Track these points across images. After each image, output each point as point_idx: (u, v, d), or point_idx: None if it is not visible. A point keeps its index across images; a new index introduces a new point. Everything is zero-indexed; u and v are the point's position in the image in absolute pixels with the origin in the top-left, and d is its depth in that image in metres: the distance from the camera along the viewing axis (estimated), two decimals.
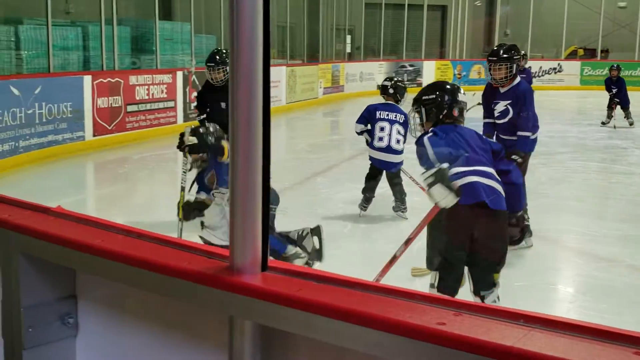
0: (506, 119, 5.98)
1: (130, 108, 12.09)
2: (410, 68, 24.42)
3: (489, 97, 6.14)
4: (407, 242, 3.87)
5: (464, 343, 1.04)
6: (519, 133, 5.85)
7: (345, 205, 7.27)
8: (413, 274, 4.89)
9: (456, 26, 27.28)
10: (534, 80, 12.87)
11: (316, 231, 4.92)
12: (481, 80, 24.15)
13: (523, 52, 11.25)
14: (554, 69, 25.30)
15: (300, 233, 4.84)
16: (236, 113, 1.30)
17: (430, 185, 3.40)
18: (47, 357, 1.71)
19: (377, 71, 23.62)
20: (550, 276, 5.50)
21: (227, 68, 6.06)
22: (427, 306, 1.15)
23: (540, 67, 24.60)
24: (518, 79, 6.02)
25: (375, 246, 6.06)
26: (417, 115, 3.97)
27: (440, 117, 3.89)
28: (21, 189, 8.24)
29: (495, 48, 6.17)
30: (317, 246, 4.89)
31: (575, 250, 6.21)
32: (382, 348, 1.12)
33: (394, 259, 3.94)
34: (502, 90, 5.97)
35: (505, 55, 5.91)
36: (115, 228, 1.60)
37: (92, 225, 1.64)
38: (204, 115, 6.65)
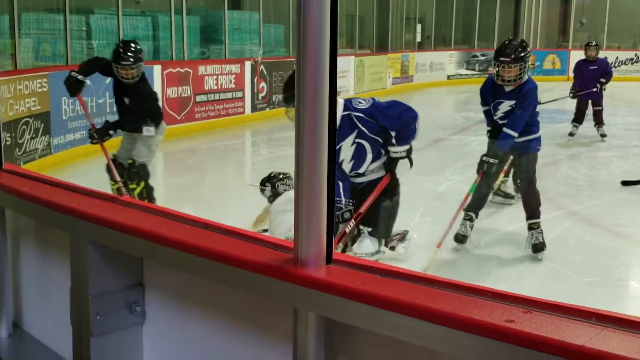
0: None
1: (199, 98, 12.22)
2: (482, 58, 23.99)
3: (491, 95, 5.51)
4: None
5: (533, 341, 1.00)
6: (504, 129, 5.22)
7: (412, 199, 7.19)
8: None
9: (530, 15, 26.69)
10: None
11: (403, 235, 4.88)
12: (555, 70, 23.57)
13: (594, 42, 10.89)
14: (631, 59, 24.53)
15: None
16: (302, 104, 1.28)
17: None
18: (115, 344, 1.74)
19: (447, 61, 23.30)
20: (622, 273, 5.33)
21: (141, 65, 6.09)
22: (495, 303, 1.12)
23: (617, 58, 23.89)
24: (526, 77, 5.43)
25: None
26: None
27: None
28: (91, 178, 8.38)
29: (505, 43, 5.53)
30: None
31: None
32: (447, 344, 1.09)
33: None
34: (507, 89, 5.39)
35: (520, 55, 5.34)
36: (181, 218, 1.61)
37: (159, 215, 1.65)
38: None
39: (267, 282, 1.30)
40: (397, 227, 6.01)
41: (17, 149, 8.41)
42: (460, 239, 5.67)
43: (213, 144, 11.08)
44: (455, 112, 17.05)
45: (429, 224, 6.33)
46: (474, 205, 5.62)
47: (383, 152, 4.23)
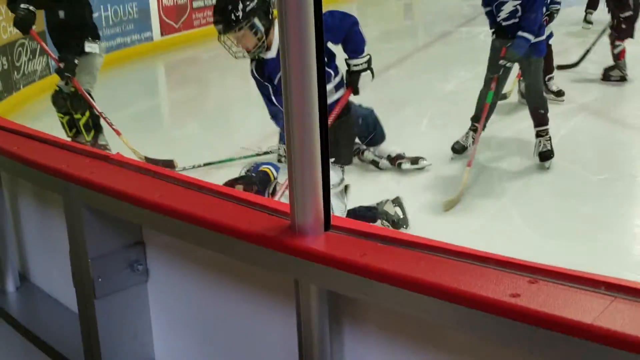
0: (516, 20, 5.14)
1: (195, 4, 11.95)
2: None
3: None
4: None
5: (538, 319, 0.96)
6: (520, 33, 5.01)
7: (420, 100, 7.11)
8: (445, 208, 4.65)
9: None
10: None
11: (397, 202, 4.65)
12: None
13: None
14: None
15: (379, 202, 4.60)
16: (288, 63, 1.20)
17: None
18: (120, 304, 1.72)
19: None
20: (635, 167, 5.28)
21: None
22: (500, 271, 1.07)
23: None
24: None
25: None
26: None
27: None
28: (94, 96, 8.33)
29: None
30: (400, 214, 4.59)
31: None
32: (452, 319, 1.06)
33: None
34: None
35: None
36: (174, 179, 1.56)
37: (151, 176, 1.60)
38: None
39: (264, 253, 1.26)
40: (407, 135, 5.95)
41: (15, 73, 8.31)
42: (458, 149, 5.49)
43: (214, 52, 10.88)
44: (461, 0, 16.62)
45: (439, 129, 6.26)
46: (480, 114, 5.40)
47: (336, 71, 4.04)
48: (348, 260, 1.15)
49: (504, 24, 5.18)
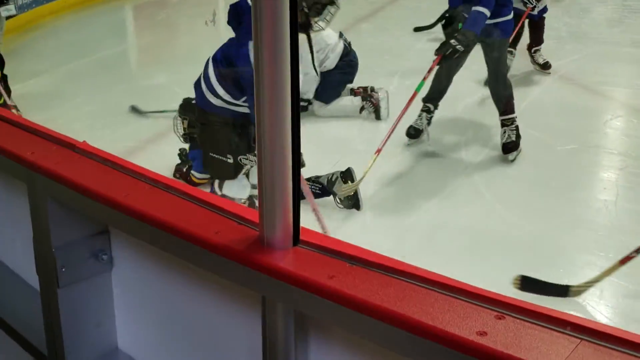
0: (470, 4, 4.64)
1: None
2: None
3: None
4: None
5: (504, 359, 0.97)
6: (475, 8, 4.52)
7: (392, 59, 7.04)
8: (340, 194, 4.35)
9: None
10: None
11: (347, 174, 4.36)
12: None
13: None
14: None
15: (329, 178, 4.37)
16: (260, 70, 1.17)
17: None
18: (83, 293, 1.71)
19: None
20: (602, 138, 5.31)
21: None
22: (468, 304, 1.07)
23: None
24: None
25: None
26: None
27: None
28: (61, 40, 8.15)
29: None
30: (351, 192, 4.32)
31: (629, 107, 5.95)
32: (418, 352, 1.06)
33: None
34: None
35: None
36: (141, 175, 1.53)
37: (118, 170, 1.57)
38: None
39: (231, 266, 1.25)
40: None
41: None
42: (413, 133, 5.11)
43: None
44: None
45: (409, 89, 6.21)
46: (433, 95, 5.09)
47: None
48: (316, 283, 1.15)
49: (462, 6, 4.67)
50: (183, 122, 4.59)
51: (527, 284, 3.36)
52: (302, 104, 5.91)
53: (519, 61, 6.37)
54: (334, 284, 1.14)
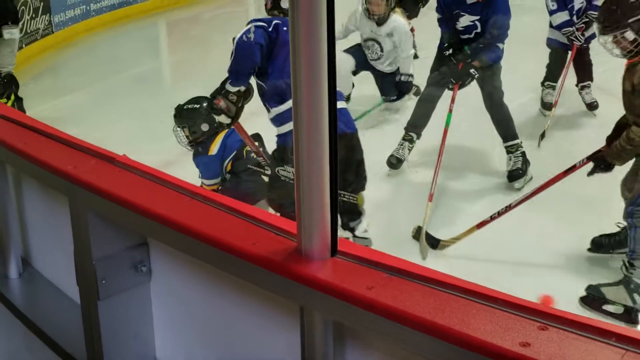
0: (471, 35, 4.81)
1: None
2: None
3: (446, 3, 4.89)
4: None
5: None
6: (497, 44, 4.77)
7: (421, 67, 7.01)
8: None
9: None
10: None
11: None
12: None
13: None
14: None
15: None
16: (298, 80, 1.18)
17: None
18: (123, 304, 1.72)
19: None
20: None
21: None
22: (510, 315, 1.06)
23: None
24: None
25: None
26: None
27: None
28: (95, 56, 8.28)
29: None
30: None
31: None
32: None
33: None
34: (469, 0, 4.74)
35: None
36: (180, 188, 1.54)
37: (158, 182, 1.59)
38: None
39: (269, 276, 1.26)
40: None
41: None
42: (394, 163, 4.97)
43: (215, 12, 10.77)
44: None
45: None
46: (417, 123, 4.98)
47: None
48: (354, 294, 1.15)
49: (461, 36, 4.84)
50: (184, 131, 4.53)
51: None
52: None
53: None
54: (372, 294, 1.14)
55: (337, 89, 1.23)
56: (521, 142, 4.88)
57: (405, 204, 4.61)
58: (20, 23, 5.65)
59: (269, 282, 1.28)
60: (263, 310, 1.45)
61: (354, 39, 6.11)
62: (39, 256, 2.23)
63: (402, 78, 5.95)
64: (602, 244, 3.87)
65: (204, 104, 4.42)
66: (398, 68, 6.00)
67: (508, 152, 4.85)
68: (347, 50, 5.87)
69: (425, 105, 4.94)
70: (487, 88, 4.86)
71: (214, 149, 4.44)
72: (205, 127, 4.44)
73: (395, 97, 6.07)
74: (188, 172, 4.57)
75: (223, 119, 4.02)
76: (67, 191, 1.67)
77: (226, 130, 4.47)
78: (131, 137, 5.54)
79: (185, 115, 4.51)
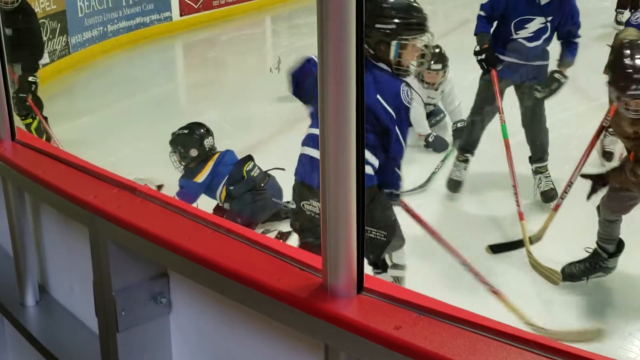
0: (539, 42, 4.50)
1: None
2: None
3: (512, 6, 4.49)
4: None
5: None
6: (574, 40, 4.50)
7: None
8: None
9: None
10: None
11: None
12: None
13: None
14: None
15: None
16: (325, 111, 1.16)
17: None
18: (142, 337, 1.70)
19: None
20: None
21: None
22: (543, 357, 1.04)
23: None
24: None
25: None
26: None
27: None
28: (112, 78, 8.32)
29: None
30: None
31: None
32: None
33: None
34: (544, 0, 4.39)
35: None
36: (203, 219, 1.53)
37: (179, 213, 1.57)
38: None
39: (293, 313, 1.24)
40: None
41: None
42: (454, 186, 4.88)
43: (232, 34, 10.84)
44: None
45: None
46: (470, 142, 4.86)
47: None
48: (382, 333, 1.12)
49: (527, 44, 4.50)
50: (175, 156, 4.65)
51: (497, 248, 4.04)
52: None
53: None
54: (400, 334, 1.11)
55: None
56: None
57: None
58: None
59: (293, 319, 1.26)
60: (286, 347, 1.42)
61: None
62: (56, 284, 2.22)
63: (459, 124, 5.73)
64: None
65: (196, 130, 4.58)
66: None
67: (537, 173, 4.75)
68: None
69: (477, 123, 4.81)
70: (529, 102, 4.66)
71: (202, 176, 4.54)
72: (194, 152, 4.56)
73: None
74: (204, 198, 4.59)
75: None
76: (87, 221, 1.66)
77: (217, 155, 4.56)
78: (146, 160, 5.55)
79: (176, 141, 4.65)
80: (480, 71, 4.69)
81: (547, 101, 4.73)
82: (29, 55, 5.57)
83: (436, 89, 5.87)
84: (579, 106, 6.40)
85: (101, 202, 1.63)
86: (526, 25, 4.44)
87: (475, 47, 4.59)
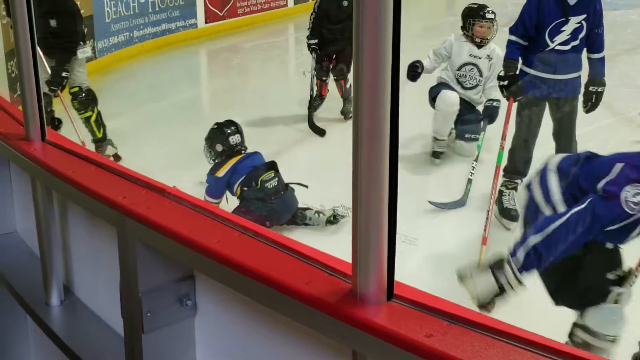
0: (577, 41, 4.39)
1: None
2: None
3: (547, 12, 4.39)
4: None
5: None
6: (596, 56, 4.44)
7: None
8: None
9: None
10: None
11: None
12: None
13: None
14: None
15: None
16: (359, 116, 1.15)
17: None
18: (167, 339, 1.70)
19: None
20: None
21: None
22: None
23: None
24: None
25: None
26: None
27: None
28: (138, 83, 8.38)
29: None
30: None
31: None
32: None
33: None
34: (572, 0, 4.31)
35: None
36: (230, 222, 1.52)
37: (208, 215, 1.57)
38: None
39: (322, 318, 1.22)
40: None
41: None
42: (514, 215, 4.59)
43: (256, 42, 10.89)
44: None
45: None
46: (520, 167, 4.69)
47: None
48: (412, 341, 1.11)
49: (560, 50, 4.40)
50: (206, 150, 4.89)
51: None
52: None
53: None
54: (432, 343, 1.10)
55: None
56: None
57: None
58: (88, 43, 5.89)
59: (321, 324, 1.24)
60: (313, 353, 1.41)
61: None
62: (81, 285, 2.22)
63: (494, 103, 5.61)
64: None
65: (224, 127, 4.84)
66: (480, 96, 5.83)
67: None
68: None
69: (524, 144, 4.68)
70: (563, 115, 4.60)
71: (222, 171, 4.72)
72: (219, 147, 4.78)
73: (475, 136, 5.65)
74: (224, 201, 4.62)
75: None
76: (115, 221, 1.66)
77: (241, 156, 4.75)
78: (170, 164, 5.58)
79: (207, 135, 4.89)
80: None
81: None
82: (63, 49, 5.64)
83: (480, 46, 5.71)
84: (605, 119, 6.36)
85: (130, 202, 1.63)
86: (562, 29, 4.37)
87: (500, 72, 4.58)
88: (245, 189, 4.60)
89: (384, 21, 1.09)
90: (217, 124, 4.92)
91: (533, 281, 3.71)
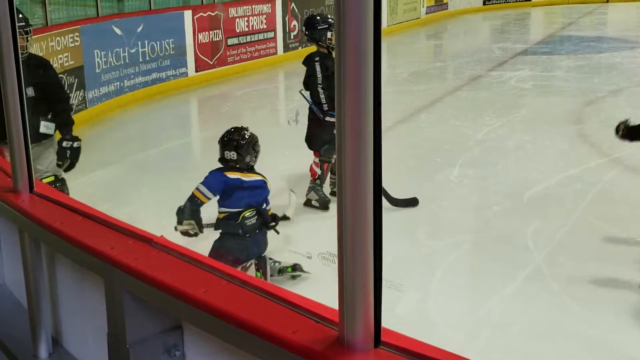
0: None
1: (230, 41, 12.06)
2: None
3: None
4: None
5: None
6: None
7: (452, 149, 7.04)
8: None
9: None
10: None
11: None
12: None
13: None
14: None
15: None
16: (343, 154, 1.16)
17: None
18: None
19: None
20: None
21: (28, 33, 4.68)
22: None
23: None
24: None
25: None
26: None
27: None
28: (127, 132, 8.41)
29: None
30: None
31: None
32: None
33: None
34: None
35: None
36: (217, 270, 1.53)
37: (195, 265, 1.57)
38: None
39: None
40: (440, 182, 5.86)
41: None
42: None
43: (246, 89, 10.99)
44: (492, 43, 16.65)
45: (470, 179, 6.20)
46: None
47: None
48: None
49: None
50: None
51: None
52: None
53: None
54: None
55: None
56: None
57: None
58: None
59: None
60: None
61: None
62: (69, 336, 2.21)
63: None
64: None
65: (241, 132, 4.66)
66: None
67: None
68: None
69: None
70: None
71: (235, 176, 4.52)
72: (233, 155, 4.60)
73: None
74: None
75: None
76: (103, 272, 1.66)
77: (258, 178, 4.58)
78: (160, 212, 5.56)
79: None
80: None
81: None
82: (62, 111, 5.04)
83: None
84: (591, 162, 6.44)
85: (118, 253, 1.64)
86: None
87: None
88: (227, 218, 4.49)
89: (365, 80, 1.11)
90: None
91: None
